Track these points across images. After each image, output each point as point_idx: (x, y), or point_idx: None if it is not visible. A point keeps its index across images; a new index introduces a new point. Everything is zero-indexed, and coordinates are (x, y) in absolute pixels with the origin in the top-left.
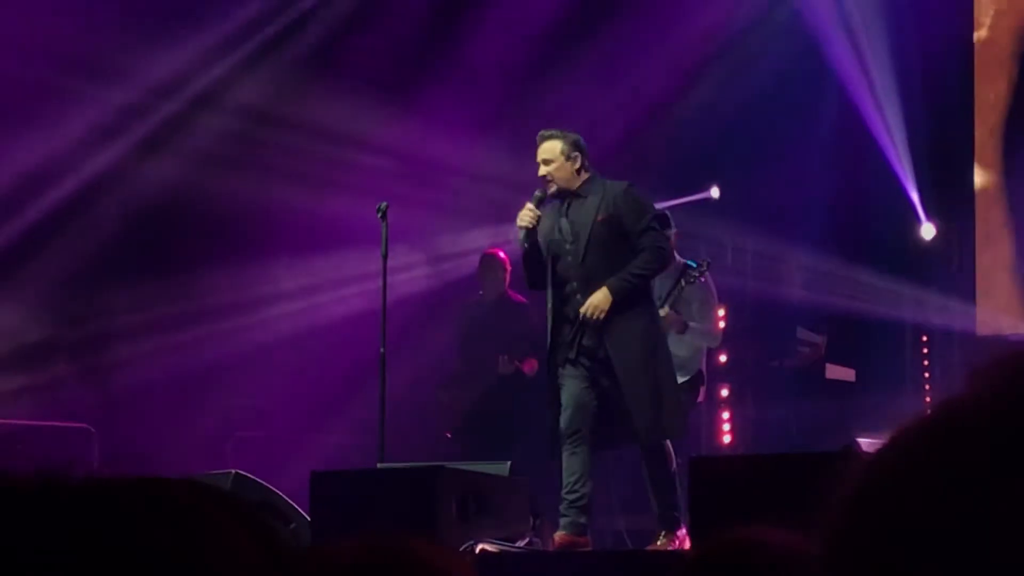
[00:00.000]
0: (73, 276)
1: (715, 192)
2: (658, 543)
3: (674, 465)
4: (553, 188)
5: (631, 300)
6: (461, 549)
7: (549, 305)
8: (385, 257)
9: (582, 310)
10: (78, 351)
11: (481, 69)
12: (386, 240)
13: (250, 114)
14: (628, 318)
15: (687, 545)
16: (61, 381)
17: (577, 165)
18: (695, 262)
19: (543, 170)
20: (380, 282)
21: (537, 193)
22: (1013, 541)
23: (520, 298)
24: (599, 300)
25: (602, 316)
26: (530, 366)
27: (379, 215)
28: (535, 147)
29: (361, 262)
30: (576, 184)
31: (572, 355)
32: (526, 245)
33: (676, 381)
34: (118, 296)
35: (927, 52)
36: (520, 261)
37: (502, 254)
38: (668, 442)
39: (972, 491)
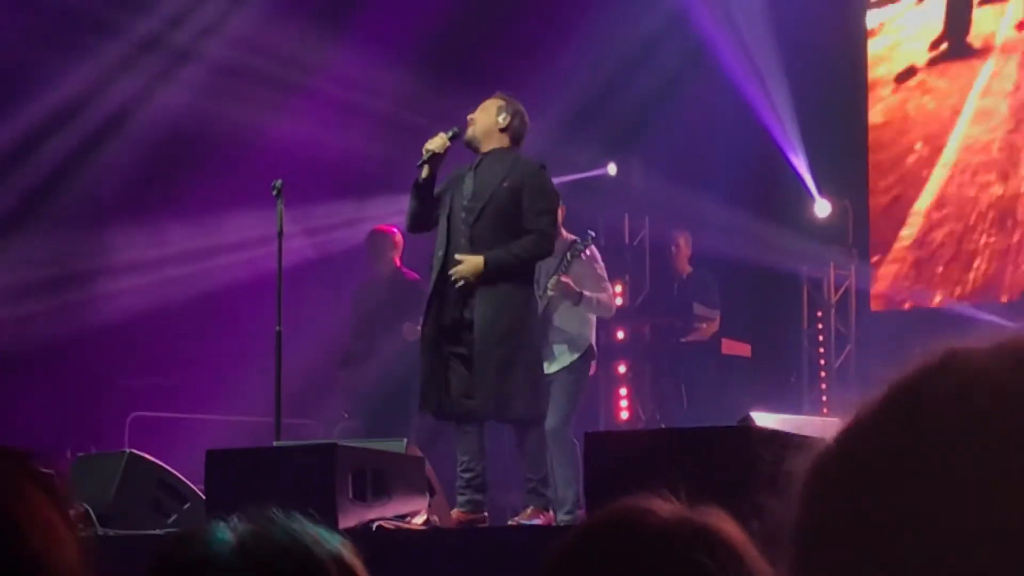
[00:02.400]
0: None
1: (612, 169)
2: (521, 517)
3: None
4: (471, 130)
5: (509, 276)
6: (357, 527)
7: (439, 253)
8: (281, 235)
9: (451, 271)
10: None
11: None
12: (281, 218)
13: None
14: (501, 293)
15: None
16: None
17: (502, 124)
18: (579, 236)
19: (473, 114)
20: (276, 255)
21: (455, 128)
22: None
23: (414, 275)
24: (468, 268)
25: (464, 284)
26: None
27: (274, 193)
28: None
29: (259, 225)
30: (491, 144)
31: (453, 321)
32: (423, 177)
33: (540, 367)
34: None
35: (819, 32)
36: (409, 201)
37: (394, 230)
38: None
39: (939, 461)
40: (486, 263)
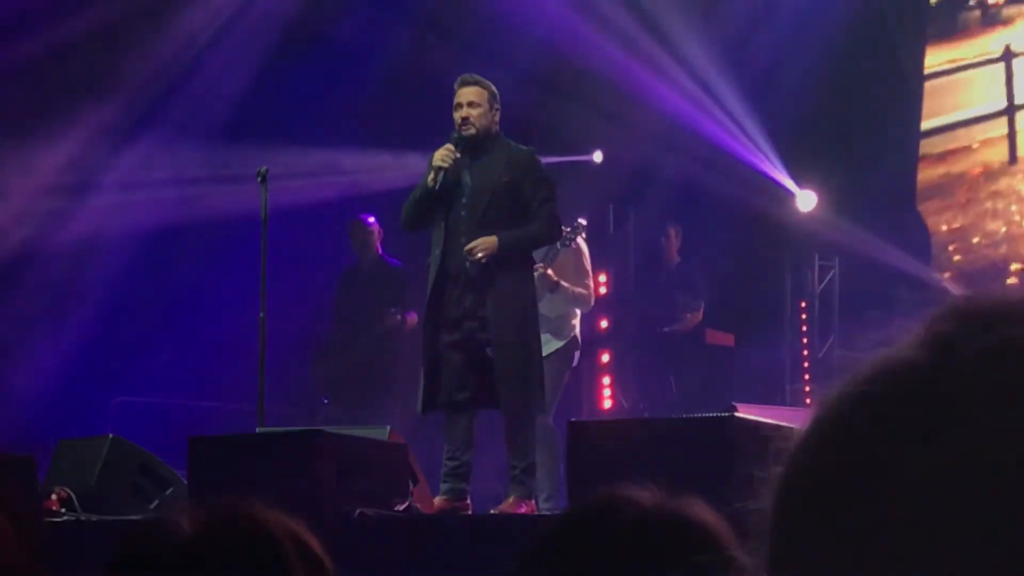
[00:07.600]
0: None
1: (598, 157)
2: (504, 506)
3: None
4: (472, 131)
5: (515, 266)
6: (340, 513)
7: (437, 252)
8: (265, 223)
9: (469, 245)
10: None
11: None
12: (266, 206)
13: None
14: (509, 285)
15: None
16: None
17: (497, 117)
18: (569, 225)
19: (466, 112)
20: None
21: (454, 135)
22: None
23: (395, 262)
24: (486, 244)
25: (482, 259)
26: (412, 317)
27: (259, 179)
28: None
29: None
30: (489, 138)
31: (457, 314)
32: (435, 187)
33: (541, 356)
34: None
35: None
36: (410, 202)
37: (371, 219)
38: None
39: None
40: (500, 242)
